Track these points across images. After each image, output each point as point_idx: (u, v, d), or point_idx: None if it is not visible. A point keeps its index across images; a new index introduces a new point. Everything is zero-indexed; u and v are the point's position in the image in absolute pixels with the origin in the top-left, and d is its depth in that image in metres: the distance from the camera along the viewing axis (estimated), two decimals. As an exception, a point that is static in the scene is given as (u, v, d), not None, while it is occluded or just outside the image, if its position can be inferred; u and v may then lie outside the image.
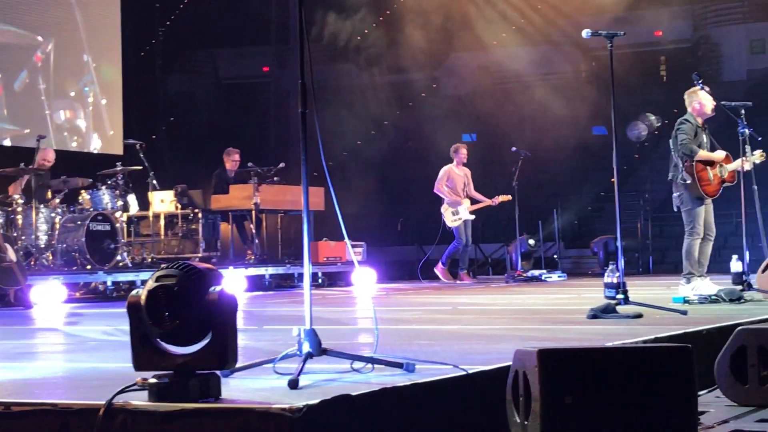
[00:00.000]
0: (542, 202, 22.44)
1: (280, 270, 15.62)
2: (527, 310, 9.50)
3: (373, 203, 23.08)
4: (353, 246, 16.77)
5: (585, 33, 8.58)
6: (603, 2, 24.19)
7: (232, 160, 16.33)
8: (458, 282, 16.24)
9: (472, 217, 16.48)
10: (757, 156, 10.57)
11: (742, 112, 10.53)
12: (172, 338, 3.68)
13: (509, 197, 16.74)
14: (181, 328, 3.63)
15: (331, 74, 26.86)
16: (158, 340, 3.69)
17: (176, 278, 3.62)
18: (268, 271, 15.23)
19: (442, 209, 16.45)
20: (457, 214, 16.31)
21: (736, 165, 10.46)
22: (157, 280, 3.65)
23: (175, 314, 3.60)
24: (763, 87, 27.33)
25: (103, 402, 3.55)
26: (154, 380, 3.63)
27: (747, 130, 10.45)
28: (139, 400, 3.59)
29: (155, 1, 24.79)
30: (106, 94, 20.02)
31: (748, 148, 10.47)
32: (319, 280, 16.07)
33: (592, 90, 24.25)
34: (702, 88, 10.44)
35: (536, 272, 16.61)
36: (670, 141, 10.48)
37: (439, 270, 16.53)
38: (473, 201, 16.53)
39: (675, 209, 10.56)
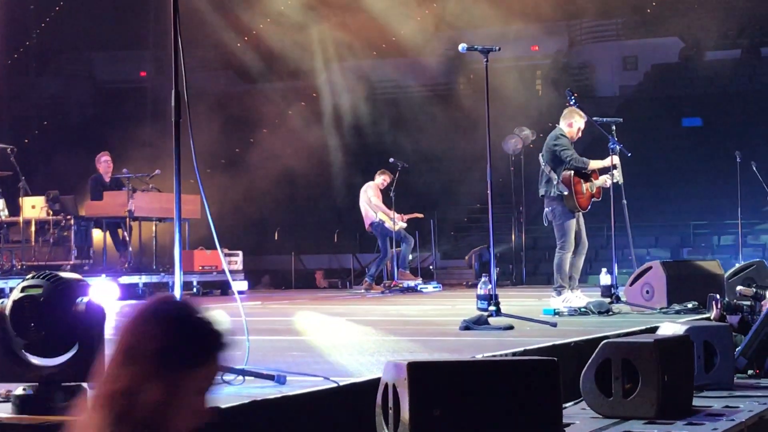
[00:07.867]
0: (419, 212, 22.57)
1: (154, 278, 15.40)
2: (401, 321, 9.55)
3: (251, 211, 22.96)
4: (230, 255, 16.67)
5: (461, 47, 8.68)
6: (482, 16, 24.50)
7: (103, 162, 16.01)
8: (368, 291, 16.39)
9: (405, 225, 16.80)
10: (616, 175, 10.64)
11: (613, 128, 10.72)
12: (38, 349, 3.62)
13: (422, 215, 17.70)
14: (47, 339, 3.57)
15: (208, 81, 26.68)
16: (23, 351, 3.62)
17: (42, 288, 3.57)
18: (141, 279, 15.02)
19: (378, 220, 16.59)
20: (392, 220, 16.49)
21: (602, 181, 10.63)
22: (22, 291, 3.59)
23: (41, 325, 3.55)
24: (633, 103, 28.02)
25: (-36, 414, 3.47)
26: (18, 392, 3.56)
27: (618, 146, 10.62)
28: (2, 412, 3.52)
29: (29, 3, 24.30)
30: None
31: (617, 162, 10.64)
32: (194, 289, 15.91)
33: (469, 102, 24.52)
34: (576, 105, 10.60)
35: (412, 283, 16.71)
36: (541, 156, 10.57)
37: (401, 276, 16.81)
38: None
39: (546, 224, 10.71)
